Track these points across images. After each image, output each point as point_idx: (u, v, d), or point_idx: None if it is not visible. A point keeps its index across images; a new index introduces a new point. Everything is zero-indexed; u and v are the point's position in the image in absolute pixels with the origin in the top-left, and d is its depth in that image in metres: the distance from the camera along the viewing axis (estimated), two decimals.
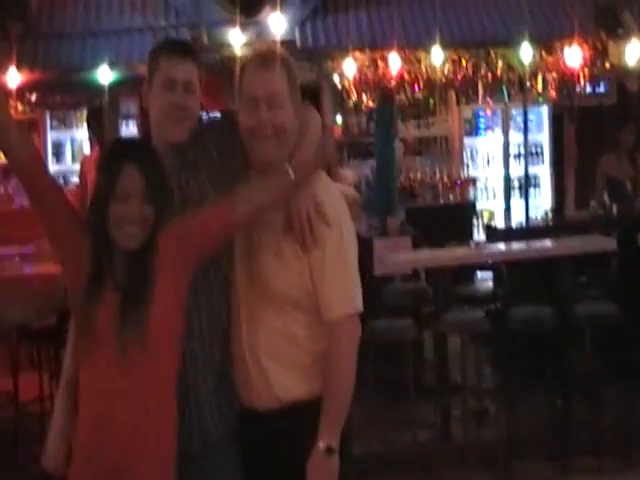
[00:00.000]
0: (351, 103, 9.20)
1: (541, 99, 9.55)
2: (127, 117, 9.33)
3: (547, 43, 8.81)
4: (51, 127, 9.86)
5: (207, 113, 5.51)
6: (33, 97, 8.31)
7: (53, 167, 9.81)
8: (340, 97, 9.06)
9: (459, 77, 8.95)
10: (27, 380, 5.64)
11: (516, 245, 6.15)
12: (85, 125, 7.60)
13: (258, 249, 2.46)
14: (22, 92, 7.94)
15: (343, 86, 8.94)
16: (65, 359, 2.55)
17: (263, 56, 2.45)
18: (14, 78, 7.59)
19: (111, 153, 2.34)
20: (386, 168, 8.11)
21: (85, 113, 8.22)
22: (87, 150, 9.06)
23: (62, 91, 8.55)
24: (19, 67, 7.57)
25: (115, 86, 8.27)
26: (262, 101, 2.38)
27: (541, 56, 8.93)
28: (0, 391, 5.79)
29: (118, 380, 2.25)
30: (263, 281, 2.44)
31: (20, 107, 8.57)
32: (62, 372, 2.56)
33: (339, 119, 9.74)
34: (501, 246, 6.20)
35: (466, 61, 8.93)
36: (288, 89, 2.43)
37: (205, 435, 2.45)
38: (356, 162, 9.25)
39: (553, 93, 9.24)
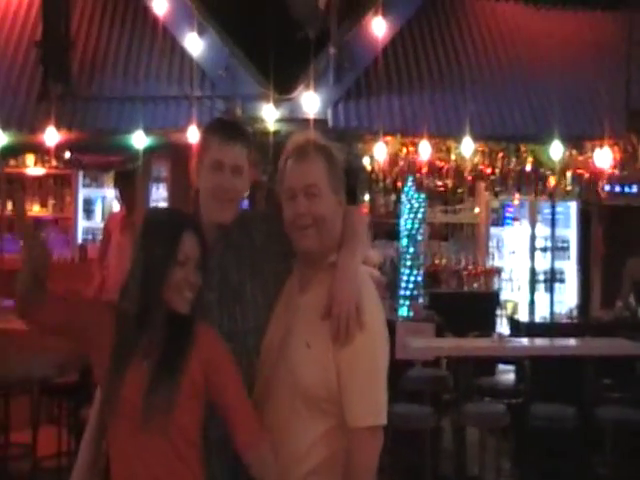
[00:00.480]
0: (380, 185, 9.11)
1: (569, 195, 9.56)
2: (158, 180, 9.44)
3: (577, 142, 8.81)
4: (83, 184, 10.08)
5: None
6: (67, 154, 8.37)
7: (83, 223, 9.97)
8: (369, 178, 8.93)
9: (488, 169, 8.98)
10: (46, 434, 5.67)
11: (540, 341, 6.14)
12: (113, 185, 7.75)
13: (289, 336, 2.43)
14: (58, 150, 8.01)
15: (373, 168, 8.90)
16: (91, 414, 2.55)
17: (300, 147, 2.46)
18: (52, 137, 7.59)
19: (170, 221, 2.36)
20: (412, 252, 8.16)
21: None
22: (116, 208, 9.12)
23: (96, 151, 8.63)
24: (57, 127, 7.61)
25: (148, 150, 8.26)
26: (299, 192, 2.40)
27: (571, 154, 8.94)
28: (19, 443, 5.82)
29: (140, 444, 2.27)
30: (289, 368, 2.40)
31: (55, 163, 8.78)
32: (87, 426, 2.57)
33: (366, 198, 9.75)
34: (525, 341, 6.20)
35: (495, 153, 8.95)
36: (327, 178, 2.42)
37: None
38: (381, 242, 9.19)
39: (581, 190, 9.26)
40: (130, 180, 7.14)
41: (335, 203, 2.43)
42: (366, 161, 8.76)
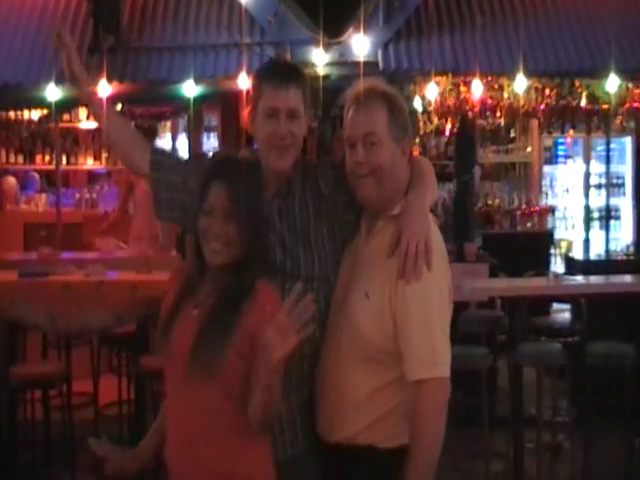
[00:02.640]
0: (431, 127, 9.14)
1: (624, 130, 9.40)
2: (209, 129, 9.33)
3: (634, 75, 8.65)
4: None
5: None
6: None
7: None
8: (419, 120, 8.95)
9: (542, 106, 8.83)
10: (106, 383, 5.81)
11: (595, 279, 6.08)
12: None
13: (350, 288, 2.41)
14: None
15: (424, 109, 8.88)
16: None
17: (360, 95, 2.40)
18: (104, 89, 7.52)
19: (208, 168, 2.34)
20: (464, 193, 8.00)
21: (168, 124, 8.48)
22: None
23: (147, 103, 8.65)
24: (109, 79, 7.46)
25: (199, 100, 8.27)
26: (358, 141, 2.36)
27: (627, 87, 8.81)
28: (81, 393, 5.91)
29: (183, 402, 2.26)
30: (348, 320, 2.38)
31: None
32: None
33: (417, 140, 9.39)
34: (580, 279, 6.12)
35: (550, 90, 8.83)
36: (388, 126, 2.36)
37: (292, 446, 2.46)
38: None
39: (637, 125, 9.12)
40: (152, 136, 7.24)
41: (396, 152, 2.38)
42: (417, 103, 8.70)
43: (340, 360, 2.37)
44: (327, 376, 2.40)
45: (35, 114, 9.38)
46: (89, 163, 9.99)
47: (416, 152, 9.01)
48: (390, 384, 2.33)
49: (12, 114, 9.47)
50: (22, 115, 9.46)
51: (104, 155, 9.98)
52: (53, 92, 7.76)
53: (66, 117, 9.51)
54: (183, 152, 8.92)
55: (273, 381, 2.04)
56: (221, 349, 2.15)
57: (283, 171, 2.47)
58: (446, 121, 8.99)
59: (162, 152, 2.79)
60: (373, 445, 2.35)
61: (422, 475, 2.27)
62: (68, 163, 9.97)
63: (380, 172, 2.35)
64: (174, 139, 9.67)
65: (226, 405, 2.20)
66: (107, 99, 2.75)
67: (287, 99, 2.38)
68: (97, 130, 9.06)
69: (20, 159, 9.94)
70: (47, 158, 9.91)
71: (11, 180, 9.93)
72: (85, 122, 9.69)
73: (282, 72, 2.48)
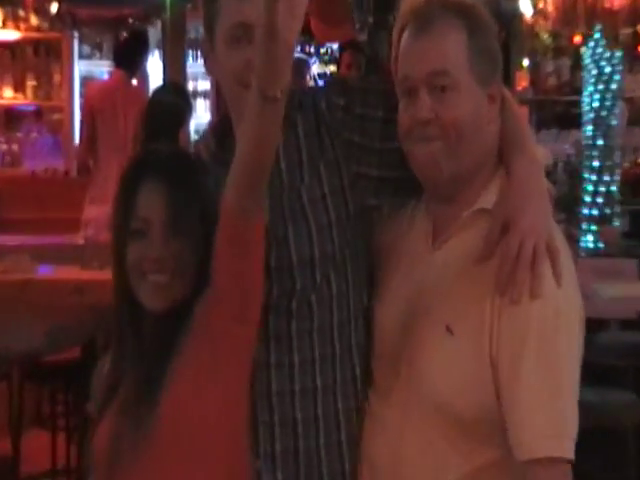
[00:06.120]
0: (547, 40, 7.61)
1: None
2: (194, 44, 7.58)
3: None
4: (80, 54, 7.88)
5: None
6: (54, 7, 6.70)
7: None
8: (529, 31, 7.40)
9: None
10: (32, 442, 4.97)
11: None
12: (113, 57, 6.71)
13: (417, 314, 1.94)
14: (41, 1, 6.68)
15: (536, 16, 7.16)
16: None
17: (422, 9, 1.92)
18: None
19: (129, 170, 1.93)
20: (601, 145, 6.59)
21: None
22: None
23: (100, 2, 6.90)
24: None
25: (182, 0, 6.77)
26: (421, 84, 1.89)
27: None
28: None
29: None
30: (416, 368, 1.92)
31: (35, 22, 7.09)
32: None
33: (525, 63, 7.86)
34: None
35: None
36: (467, 58, 1.88)
37: None
38: (549, 133, 7.61)
39: None
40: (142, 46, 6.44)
41: (482, 99, 1.89)
42: (525, 5, 7.04)
43: (401, 427, 1.94)
44: (376, 449, 1.96)
45: None
46: (6, 96, 7.95)
47: (524, 83, 7.85)
48: (483, 469, 1.88)
49: None
50: None
51: (30, 83, 7.86)
52: None
53: None
54: (156, 79, 7.34)
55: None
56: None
57: None
58: (572, 31, 7.04)
59: None
60: None
61: None
62: None
63: (457, 133, 1.88)
64: None
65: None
66: None
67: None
68: (19, 43, 7.53)
69: None
70: None
71: None
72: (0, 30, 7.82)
73: None
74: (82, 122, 6.69)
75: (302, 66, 7.53)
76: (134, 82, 6.43)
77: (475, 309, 1.85)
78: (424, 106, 1.87)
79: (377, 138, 1.97)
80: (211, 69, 2.05)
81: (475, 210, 1.92)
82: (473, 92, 1.88)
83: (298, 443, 1.90)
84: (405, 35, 1.92)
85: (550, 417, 1.81)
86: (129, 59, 6.27)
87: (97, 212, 5.76)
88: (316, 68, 8.78)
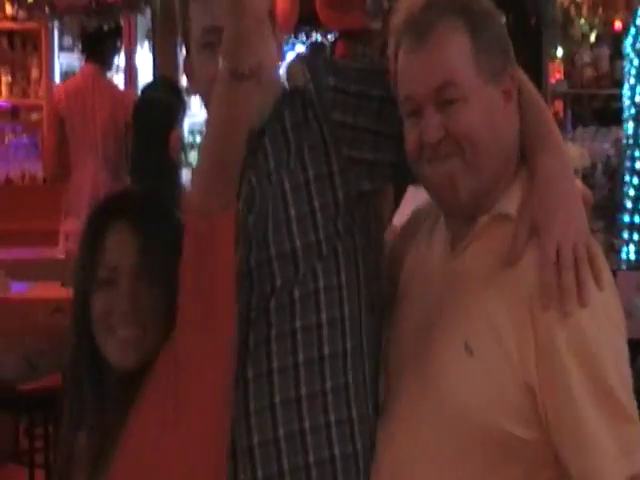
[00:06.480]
0: (583, 27, 7.05)
1: None
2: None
3: None
4: (61, 46, 7.44)
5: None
6: None
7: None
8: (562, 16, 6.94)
9: None
10: (9, 479, 5.15)
11: None
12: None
13: (433, 329, 1.87)
14: None
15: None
16: None
17: (417, 17, 1.83)
18: None
19: (96, 211, 1.93)
20: None
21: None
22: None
23: None
24: None
25: None
26: (427, 101, 1.82)
27: None
28: None
29: None
30: (433, 385, 1.88)
31: (10, 10, 6.75)
32: None
33: (559, 53, 7.33)
34: None
35: None
36: (472, 59, 1.80)
37: None
38: (586, 132, 6.91)
39: None
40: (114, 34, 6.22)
41: (495, 99, 1.83)
42: None
43: (422, 455, 1.88)
44: (376, 466, 1.91)
45: None
46: None
47: (557, 75, 7.36)
48: None
49: None
50: None
51: (5, 78, 7.40)
52: None
53: None
54: (145, 76, 6.89)
55: None
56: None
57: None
58: (612, 17, 6.90)
59: None
60: None
61: None
62: None
63: (473, 145, 1.82)
64: (129, 53, 7.28)
65: None
66: None
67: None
68: None
69: None
70: None
71: None
72: None
73: None
74: (49, 129, 6.38)
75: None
76: (109, 76, 6.20)
77: (498, 322, 1.80)
78: (431, 126, 1.82)
79: (373, 118, 1.94)
80: (188, 76, 2.07)
81: (495, 215, 1.86)
82: (485, 96, 1.83)
83: (282, 463, 1.81)
84: (401, 52, 1.87)
85: (616, 433, 1.76)
86: (100, 50, 5.99)
87: (77, 224, 5.44)
88: None
